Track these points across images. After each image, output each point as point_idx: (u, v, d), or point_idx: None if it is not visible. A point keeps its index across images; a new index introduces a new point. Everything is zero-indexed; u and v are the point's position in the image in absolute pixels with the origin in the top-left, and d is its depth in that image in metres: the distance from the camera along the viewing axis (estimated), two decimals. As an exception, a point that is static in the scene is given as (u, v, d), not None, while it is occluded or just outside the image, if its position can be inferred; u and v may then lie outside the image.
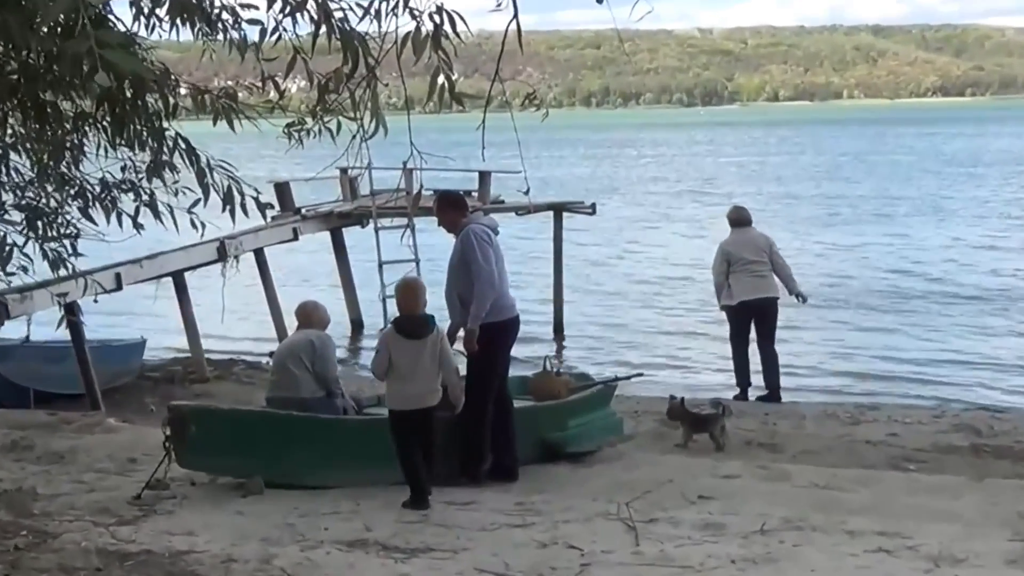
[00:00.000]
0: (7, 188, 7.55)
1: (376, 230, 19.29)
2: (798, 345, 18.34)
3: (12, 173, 7.62)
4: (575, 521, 8.05)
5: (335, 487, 9.12)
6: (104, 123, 6.96)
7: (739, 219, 14.56)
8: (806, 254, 29.11)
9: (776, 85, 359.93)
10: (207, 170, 6.70)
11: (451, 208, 9.87)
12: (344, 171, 20.13)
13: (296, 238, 20.00)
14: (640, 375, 13.28)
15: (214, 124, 6.73)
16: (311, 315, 10.10)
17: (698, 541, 7.50)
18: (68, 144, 7.29)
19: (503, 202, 20.98)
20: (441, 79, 5.37)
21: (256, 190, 6.96)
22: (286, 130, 6.64)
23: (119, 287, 15.12)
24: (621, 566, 6.94)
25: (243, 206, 6.78)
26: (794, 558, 7.08)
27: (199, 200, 6.80)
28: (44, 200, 7.58)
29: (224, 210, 6.73)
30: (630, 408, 13.02)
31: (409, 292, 9.13)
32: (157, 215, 7.29)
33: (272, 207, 7.66)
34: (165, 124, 6.81)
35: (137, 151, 7.09)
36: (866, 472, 10.18)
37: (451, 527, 7.87)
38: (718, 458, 10.80)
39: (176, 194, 7.13)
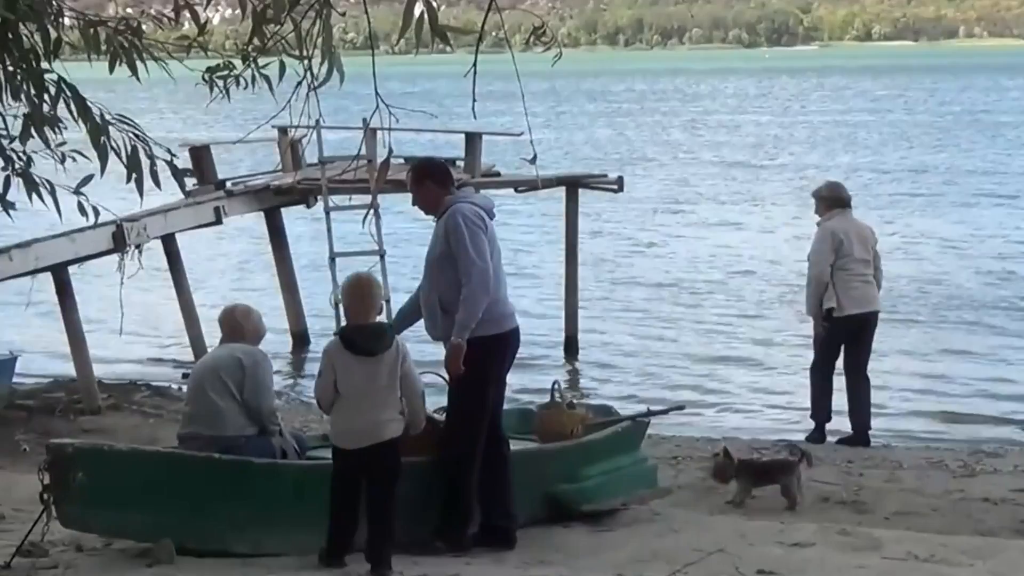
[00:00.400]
0: None
1: (327, 211, 19.19)
2: (887, 373, 18.44)
3: None
4: (592, 603, 8.11)
5: (270, 554, 9.16)
6: None
7: (839, 198, 14.38)
8: (889, 247, 29.19)
9: (868, 19, 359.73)
10: (102, 126, 6.70)
11: (431, 181, 9.91)
12: (284, 131, 20.06)
13: (219, 221, 19.90)
14: (681, 408, 13.30)
15: (111, 70, 6.74)
16: (240, 325, 10.06)
17: (757, 630, 7.57)
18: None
19: (499, 175, 20.94)
20: (419, 7, 5.40)
21: (170, 152, 6.98)
22: (207, 76, 6.66)
23: (-20, 285, 15.17)
24: (654, 663, 7.01)
25: (153, 174, 6.80)
26: (885, 653, 7.15)
27: (90, 177, 6.79)
28: None
29: (128, 181, 6.75)
30: (667, 452, 13.09)
31: (357, 293, 9.24)
32: (36, 191, 7.26)
33: (191, 174, 7.68)
34: (45, 65, 6.82)
35: (8, 100, 7.10)
36: (984, 540, 10.25)
37: (426, 609, 7.92)
38: (785, 520, 10.86)
39: (63, 160, 7.12)
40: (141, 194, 6.91)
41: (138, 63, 6.75)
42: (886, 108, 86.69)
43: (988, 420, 16.76)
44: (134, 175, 6.75)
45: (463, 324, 9.48)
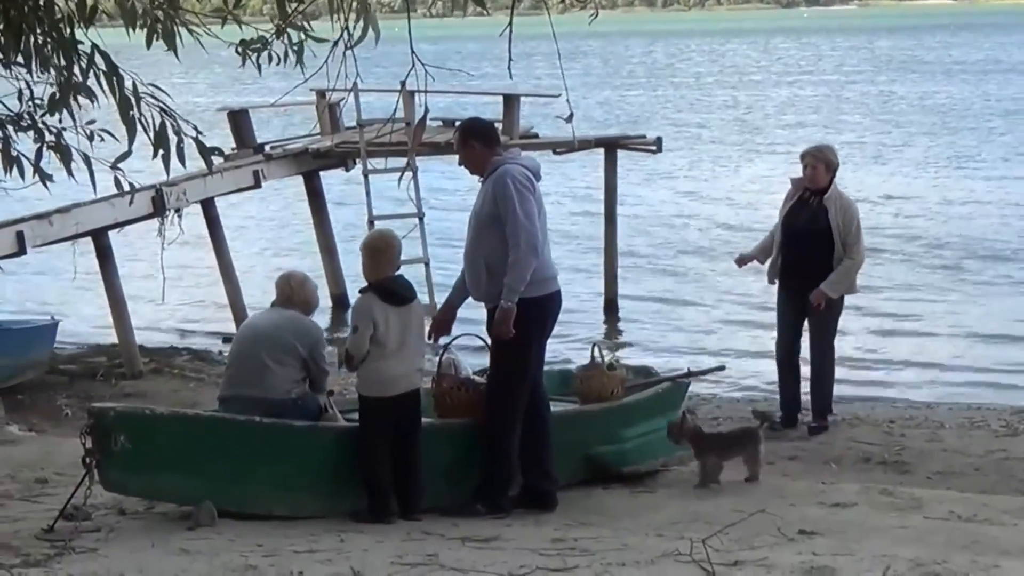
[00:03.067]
0: None
1: (365, 174, 19.22)
2: (927, 329, 18.39)
3: None
4: (633, 564, 8.09)
5: (311, 517, 9.21)
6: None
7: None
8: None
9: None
10: (133, 99, 6.65)
11: (477, 141, 9.86)
12: (322, 94, 20.04)
13: (258, 185, 19.98)
14: (722, 368, 13.28)
15: (148, 44, 6.67)
16: (293, 292, 9.97)
17: (799, 590, 7.55)
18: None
19: (536, 136, 20.91)
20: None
21: (197, 129, 6.93)
22: (240, 49, 6.61)
23: (21, 251, 15.19)
24: (695, 624, 7.00)
25: (180, 151, 6.76)
26: (927, 613, 7.13)
27: (127, 153, 6.75)
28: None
29: (155, 156, 6.71)
30: (708, 413, 13.07)
31: (383, 247, 9.54)
32: (68, 167, 7.22)
33: (220, 152, 7.60)
34: (78, 33, 6.76)
35: (39, 71, 7.04)
36: (1026, 500, 10.22)
37: (467, 571, 7.91)
38: (827, 480, 10.84)
39: (91, 138, 7.06)
40: (167, 171, 6.87)
41: (178, 36, 6.68)
42: (925, 73, 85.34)
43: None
44: (159, 150, 6.70)
45: (512, 288, 9.46)
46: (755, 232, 19.21)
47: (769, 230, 13.16)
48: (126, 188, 7.08)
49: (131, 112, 6.65)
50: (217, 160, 7.84)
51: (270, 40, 6.54)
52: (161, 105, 6.71)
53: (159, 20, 6.62)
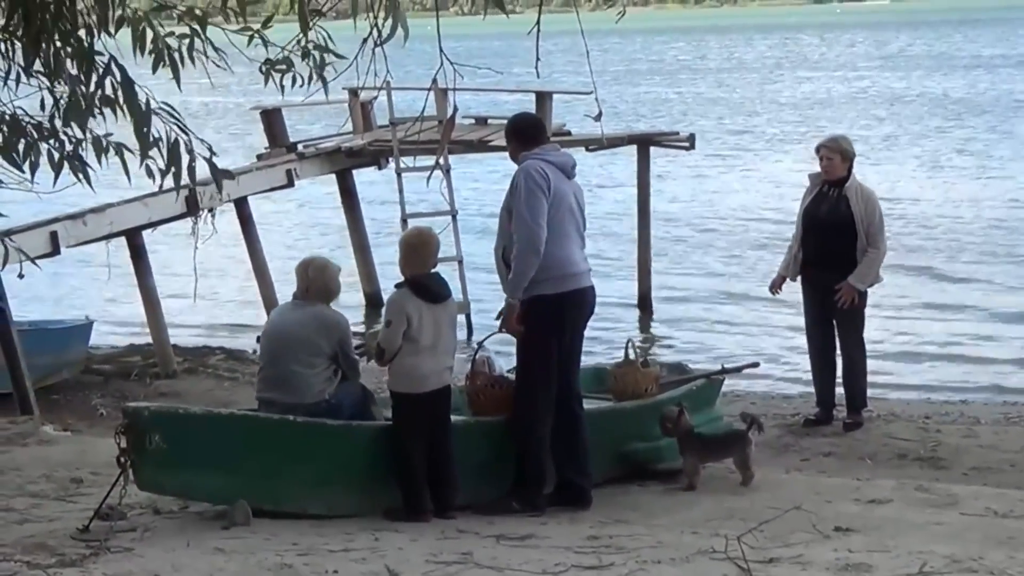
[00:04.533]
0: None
1: (398, 173, 19.23)
2: (963, 321, 18.30)
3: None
4: (668, 561, 8.08)
5: (346, 516, 9.23)
6: (17, 38, 6.91)
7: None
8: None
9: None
10: (148, 113, 6.61)
11: (515, 136, 10.01)
12: (355, 93, 20.07)
13: (291, 184, 20.04)
14: (755, 365, 13.25)
15: (154, 70, 6.62)
16: (311, 280, 9.92)
17: (834, 587, 7.53)
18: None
19: (569, 134, 20.90)
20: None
21: (211, 149, 6.92)
22: (264, 68, 6.62)
23: (55, 251, 15.25)
24: (731, 621, 6.98)
25: (191, 170, 6.73)
26: (964, 610, 7.10)
27: (172, 170, 6.72)
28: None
29: (166, 174, 6.70)
30: (743, 410, 13.03)
31: (420, 245, 9.60)
32: (85, 175, 7.20)
33: (231, 176, 7.58)
34: (100, 39, 6.73)
35: (57, 81, 7.02)
36: (1063, 496, 10.17)
37: (502, 570, 7.91)
38: (862, 477, 10.82)
39: (105, 150, 7.03)
40: (178, 189, 6.86)
41: (196, 54, 6.63)
42: (946, 70, 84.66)
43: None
44: (171, 168, 6.69)
45: (513, 283, 9.58)
46: (784, 225, 19.26)
47: (788, 244, 13.10)
48: (158, 178, 7.04)
49: (144, 129, 6.63)
50: (244, 164, 7.82)
51: (293, 62, 6.53)
52: (177, 122, 6.69)
53: (169, 47, 6.58)
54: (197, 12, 6.70)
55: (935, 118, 49.30)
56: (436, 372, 9.45)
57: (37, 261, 13.26)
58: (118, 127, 6.84)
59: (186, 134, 6.70)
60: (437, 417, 9.49)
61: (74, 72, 6.81)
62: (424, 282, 9.48)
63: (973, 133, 43.83)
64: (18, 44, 7.02)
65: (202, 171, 7.32)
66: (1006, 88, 61.39)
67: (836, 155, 12.57)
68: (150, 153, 6.83)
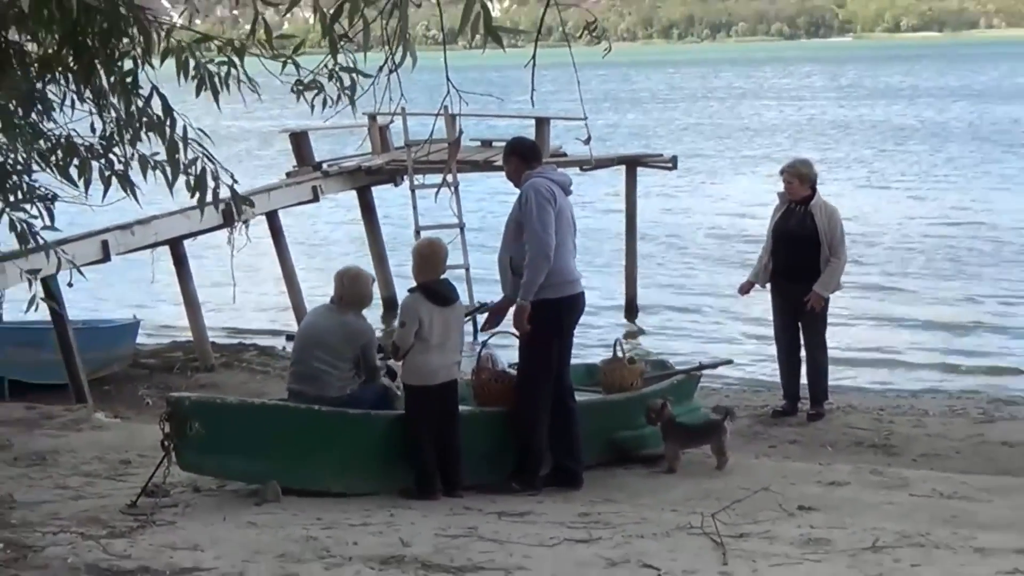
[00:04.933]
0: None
1: (412, 189, 19.30)
2: (914, 324, 18.28)
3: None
4: (651, 536, 8.11)
5: (365, 494, 9.27)
6: (71, 70, 6.92)
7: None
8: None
9: (897, 12, 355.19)
10: (180, 142, 6.62)
11: (516, 157, 10.02)
12: (373, 118, 20.15)
13: (316, 199, 20.07)
14: (729, 362, 13.33)
15: (197, 94, 6.64)
16: (345, 289, 9.92)
17: (798, 560, 7.54)
18: (37, 94, 7.31)
19: (565, 155, 20.92)
20: (477, 7, 5.31)
21: (233, 178, 6.92)
22: (295, 88, 6.63)
23: (106, 258, 15.29)
24: (705, 589, 7.00)
25: (215, 195, 6.74)
26: (912, 581, 7.12)
27: (174, 181, 6.72)
28: (12, 156, 7.60)
29: (192, 196, 6.71)
30: (718, 402, 13.05)
31: (431, 254, 9.68)
32: (132, 191, 7.23)
33: (252, 205, 7.58)
34: (143, 70, 6.74)
35: (104, 108, 7.04)
36: (1001, 479, 10.19)
37: (503, 542, 7.93)
38: (823, 462, 10.85)
39: (149, 169, 7.05)
40: (202, 212, 6.88)
41: (232, 81, 6.64)
42: (887, 98, 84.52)
43: (1007, 372, 16.56)
44: (196, 193, 6.70)
45: (525, 287, 9.58)
46: (755, 237, 19.28)
47: (759, 254, 13.14)
48: (199, 196, 7.06)
49: (176, 155, 6.64)
50: (272, 181, 7.82)
51: (322, 84, 6.54)
52: (205, 152, 6.70)
53: (209, 74, 6.58)
54: (236, 44, 6.71)
55: (881, 142, 49.53)
56: (444, 367, 9.48)
57: (90, 266, 13.38)
58: (162, 147, 6.87)
59: (213, 163, 6.71)
60: (445, 407, 9.54)
61: (117, 103, 6.81)
62: (434, 287, 9.54)
63: (915, 156, 44.02)
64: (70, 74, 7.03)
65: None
66: (943, 116, 61.78)
67: (795, 179, 12.65)
68: (180, 174, 6.84)
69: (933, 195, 34.25)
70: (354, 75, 6.46)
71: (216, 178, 6.71)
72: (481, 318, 11.86)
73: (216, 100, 6.68)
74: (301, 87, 6.59)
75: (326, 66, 6.47)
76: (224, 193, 6.79)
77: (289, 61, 6.57)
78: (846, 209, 15.61)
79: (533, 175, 9.79)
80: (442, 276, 9.70)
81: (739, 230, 28.14)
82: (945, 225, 28.79)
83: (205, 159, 6.69)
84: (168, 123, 6.74)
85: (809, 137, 52.88)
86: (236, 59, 6.59)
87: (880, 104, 73.22)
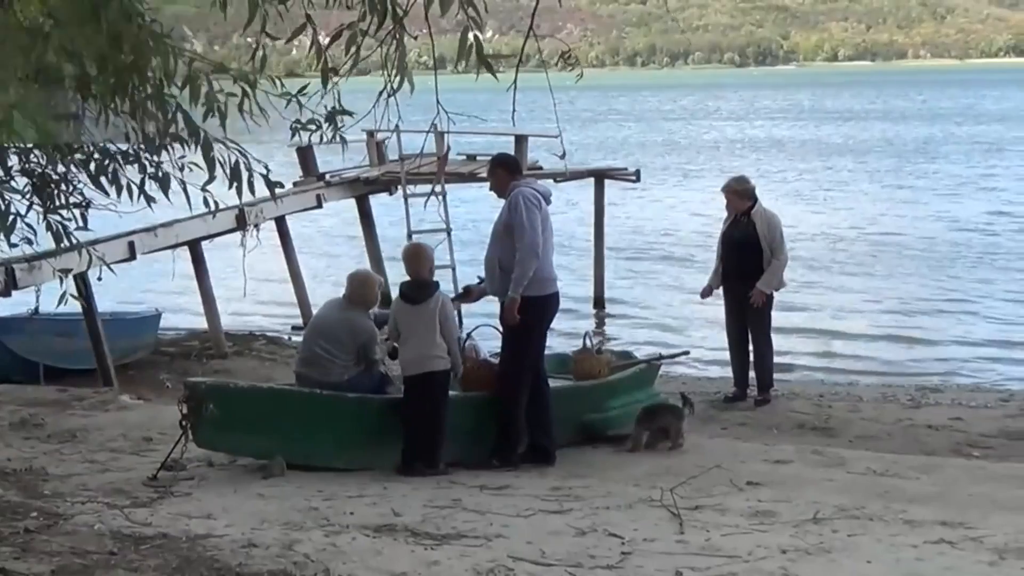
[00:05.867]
0: (10, 152, 7.54)
1: (405, 197, 19.27)
2: (848, 319, 18.28)
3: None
4: (616, 508, 8.10)
5: (361, 470, 9.22)
6: (106, 88, 6.89)
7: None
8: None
9: (835, 44, 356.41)
10: (211, 143, 6.63)
11: (502, 169, 10.01)
12: (371, 134, 20.19)
13: (320, 205, 20.10)
14: (686, 353, 13.30)
15: (204, 119, 6.59)
16: (353, 290, 9.90)
17: (746, 530, 7.53)
18: (75, 110, 7.29)
19: (541, 168, 20.95)
20: (470, 38, 5.36)
21: (266, 166, 6.92)
22: (295, 126, 6.58)
23: (132, 257, 15.27)
24: (664, 555, 6.96)
25: (250, 184, 6.75)
26: (849, 549, 7.09)
27: (212, 179, 6.74)
28: (51, 167, 7.60)
29: (230, 188, 6.70)
30: (676, 389, 13.03)
31: (412, 256, 9.67)
32: (166, 191, 7.23)
33: (281, 185, 7.61)
34: (168, 90, 6.71)
35: (140, 122, 7.02)
36: (927, 459, 10.19)
37: (484, 513, 7.92)
38: (769, 442, 10.83)
39: (182, 169, 7.08)
40: (240, 198, 6.88)
41: (244, 112, 6.59)
42: (833, 117, 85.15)
43: (931, 362, 16.59)
44: (234, 183, 6.69)
45: (517, 281, 9.55)
46: (707, 244, 19.32)
47: (714, 263, 13.13)
48: (213, 207, 7.07)
49: (211, 154, 6.63)
50: (280, 190, 7.80)
51: (320, 123, 6.50)
52: (238, 147, 6.68)
53: (218, 100, 6.54)
54: (249, 77, 6.67)
55: (815, 158, 49.77)
56: (414, 360, 9.40)
57: (117, 264, 13.32)
58: (190, 153, 6.84)
59: (245, 156, 6.70)
60: (424, 395, 9.39)
61: (153, 113, 6.78)
62: (405, 289, 9.63)
63: (844, 171, 44.29)
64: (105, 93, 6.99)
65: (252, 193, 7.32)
66: (869, 135, 62.29)
67: (732, 195, 12.74)
68: (208, 179, 6.83)
69: (850, 204, 34.51)
70: (344, 117, 6.44)
71: (249, 168, 6.70)
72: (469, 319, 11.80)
73: (223, 125, 6.65)
74: (299, 126, 6.55)
75: (325, 106, 6.42)
76: (258, 181, 6.77)
77: (294, 99, 6.52)
78: (781, 213, 15.64)
79: (520, 185, 9.80)
80: (426, 276, 9.63)
81: (692, 234, 28.23)
82: (860, 231, 28.99)
83: (238, 154, 6.67)
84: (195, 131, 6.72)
85: (747, 154, 53.19)
86: (248, 89, 6.54)
87: (813, 125, 73.77)
